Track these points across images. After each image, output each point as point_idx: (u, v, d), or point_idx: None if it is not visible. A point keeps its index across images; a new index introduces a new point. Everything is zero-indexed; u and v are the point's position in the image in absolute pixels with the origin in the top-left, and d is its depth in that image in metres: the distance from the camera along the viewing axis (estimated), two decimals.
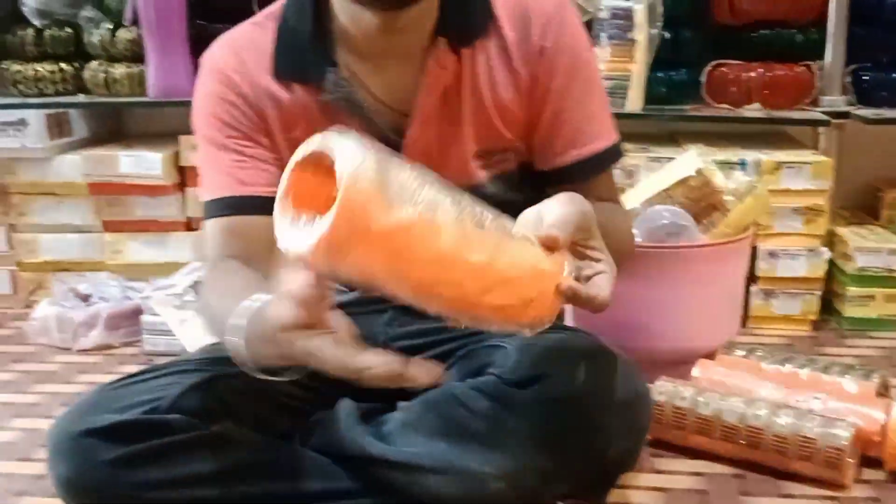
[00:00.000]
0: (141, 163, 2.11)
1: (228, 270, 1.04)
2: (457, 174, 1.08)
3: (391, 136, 1.06)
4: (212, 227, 1.09)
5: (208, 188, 1.09)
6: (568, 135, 1.08)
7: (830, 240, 1.99)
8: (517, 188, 1.11)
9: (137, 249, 2.19)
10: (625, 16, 1.86)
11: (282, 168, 1.07)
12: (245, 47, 1.08)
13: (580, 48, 1.08)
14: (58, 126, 2.20)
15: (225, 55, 1.09)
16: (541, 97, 1.07)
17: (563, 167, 1.09)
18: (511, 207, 1.12)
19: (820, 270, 1.94)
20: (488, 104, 1.07)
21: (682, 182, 1.56)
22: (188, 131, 2.13)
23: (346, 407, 1.09)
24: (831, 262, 1.97)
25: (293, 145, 1.07)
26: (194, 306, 1.87)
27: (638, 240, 1.55)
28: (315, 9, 1.05)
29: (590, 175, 1.10)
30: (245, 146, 1.07)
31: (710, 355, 1.56)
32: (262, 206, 1.04)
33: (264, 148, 1.08)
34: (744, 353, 1.58)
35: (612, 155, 1.12)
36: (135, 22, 2.11)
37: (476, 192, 1.09)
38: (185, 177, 2.16)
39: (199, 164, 1.11)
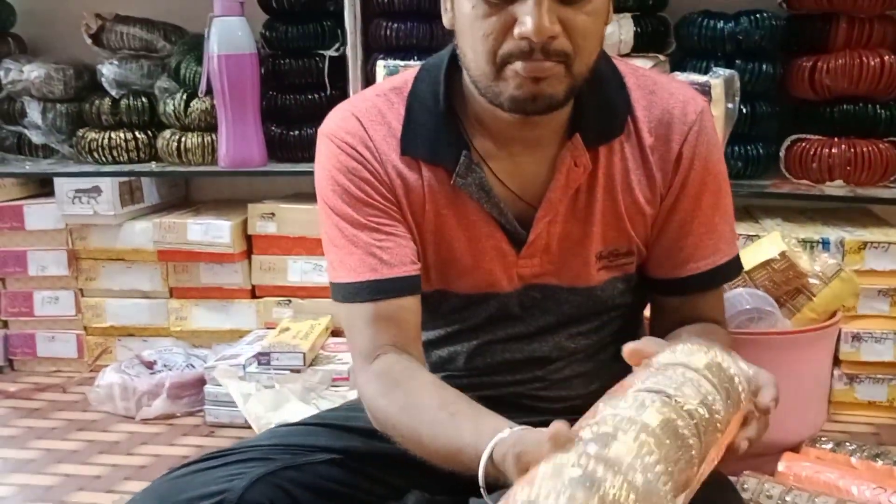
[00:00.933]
0: (209, 230, 2.13)
1: (403, 377, 0.96)
2: (577, 273, 1.04)
3: (517, 229, 1.02)
4: (359, 312, 1.01)
5: (346, 269, 1.01)
6: (690, 247, 1.03)
7: None
8: (633, 292, 1.07)
9: (202, 316, 2.19)
10: (702, 90, 1.82)
11: (416, 244, 1.05)
12: (373, 120, 1.02)
13: (715, 159, 1.03)
14: (130, 193, 2.24)
15: (351, 127, 1.02)
16: (671, 204, 1.02)
17: (678, 279, 1.04)
18: (624, 309, 1.07)
19: None
20: (621, 205, 1.02)
21: (765, 265, 1.50)
22: (256, 200, 2.19)
23: (413, 499, 1.05)
24: None
25: (419, 226, 1.02)
26: (264, 383, 1.86)
27: None
28: (447, 88, 1.01)
29: (703, 290, 1.04)
30: (383, 224, 1.01)
31: (796, 448, 1.48)
32: (410, 287, 1.00)
33: (401, 224, 1.02)
34: (831, 445, 1.49)
35: (728, 271, 1.06)
36: (208, 92, 2.14)
37: (590, 293, 1.05)
38: (251, 245, 2.17)
39: (329, 240, 1.03)
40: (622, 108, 1.01)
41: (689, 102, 1.02)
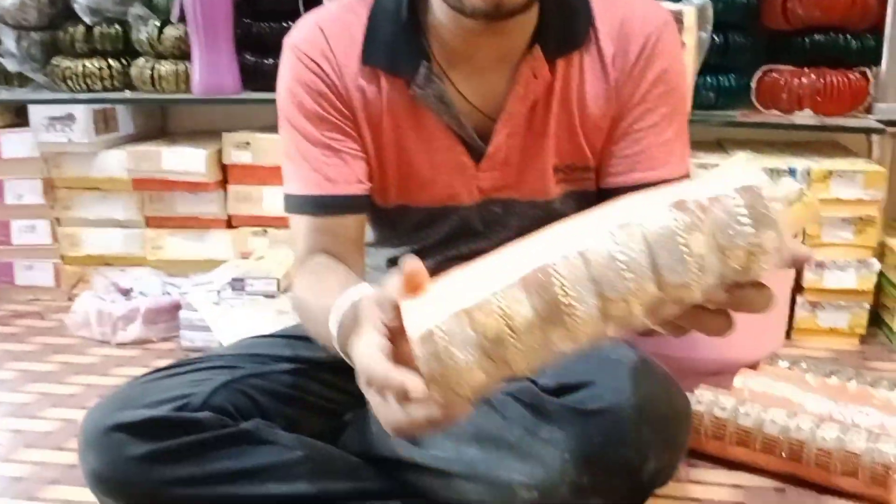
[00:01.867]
0: (184, 159, 2.13)
1: (321, 268, 1.02)
2: (535, 186, 1.05)
3: (476, 141, 1.03)
4: (299, 223, 1.06)
5: (295, 182, 1.06)
6: (639, 155, 1.03)
7: (881, 251, 1.93)
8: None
9: (178, 245, 2.21)
10: (674, 19, 1.82)
11: (368, 161, 1.06)
12: (336, 31, 1.03)
13: (674, 72, 1.03)
14: (104, 122, 2.23)
15: (313, 37, 1.04)
16: (623, 113, 1.02)
17: (622, 187, 1.02)
18: None
19: (869, 283, 1.88)
20: (575, 118, 1.03)
21: None
22: (231, 129, 2.19)
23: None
24: (881, 275, 1.91)
25: (376, 139, 1.05)
26: (233, 301, 1.88)
27: None
28: (411, 1, 1.01)
29: None
30: (334, 139, 1.03)
31: (754, 366, 1.52)
32: (352, 205, 1.05)
33: (353, 140, 1.05)
34: (788, 364, 1.54)
35: None
36: (182, 19, 2.13)
37: (549, 207, 1.07)
38: (227, 174, 2.18)
39: (285, 152, 1.07)
40: (584, 19, 1.02)
41: (650, 14, 1.03)
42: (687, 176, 1.05)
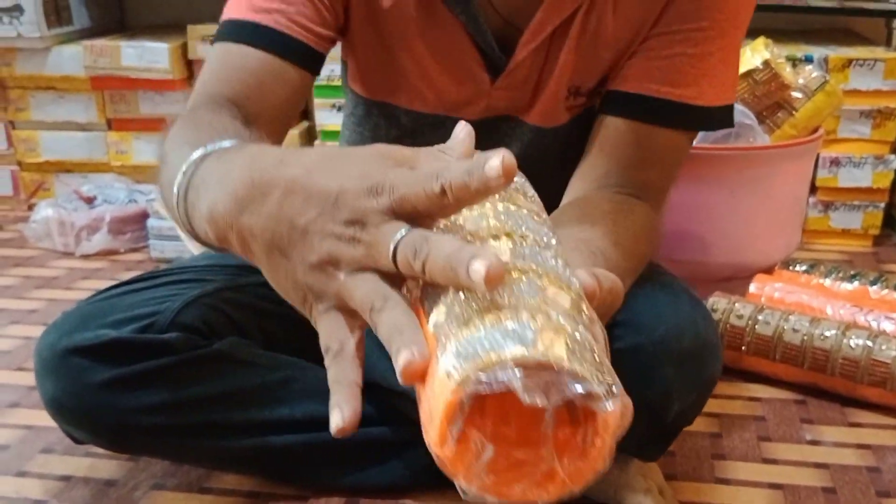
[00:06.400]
0: (145, 54, 1.95)
1: (210, 114, 0.72)
2: (544, 109, 0.92)
3: (495, 52, 0.88)
4: (219, 53, 0.83)
5: (235, 7, 0.84)
6: (662, 60, 0.85)
7: None
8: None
9: (143, 149, 2.05)
10: None
11: (352, 37, 0.86)
12: None
13: (728, 7, 0.83)
14: (56, 13, 2.03)
15: None
16: (662, 18, 0.84)
17: (634, 94, 0.86)
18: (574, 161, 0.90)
19: (886, 180, 1.77)
20: (601, 34, 0.87)
21: (747, 75, 1.39)
22: (197, 21, 2.00)
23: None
24: None
25: (371, 13, 0.86)
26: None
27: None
28: None
29: (659, 123, 0.85)
30: None
31: (768, 270, 1.42)
32: (294, 52, 0.83)
33: None
34: (805, 267, 1.43)
35: (701, 118, 0.86)
36: None
37: (554, 135, 0.93)
38: (193, 71, 2.00)
39: None
40: None
41: None
42: (727, 111, 0.88)
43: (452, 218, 0.48)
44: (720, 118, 0.88)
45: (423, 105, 0.94)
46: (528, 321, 0.41)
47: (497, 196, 0.50)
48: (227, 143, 0.58)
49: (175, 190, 0.58)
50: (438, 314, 0.44)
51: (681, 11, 0.84)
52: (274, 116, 0.83)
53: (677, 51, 0.84)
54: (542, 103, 0.92)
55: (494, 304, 0.42)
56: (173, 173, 0.59)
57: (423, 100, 0.93)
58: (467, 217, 0.49)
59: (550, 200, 0.68)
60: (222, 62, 0.83)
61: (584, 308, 0.45)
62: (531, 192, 0.57)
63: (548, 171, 0.82)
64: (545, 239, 0.49)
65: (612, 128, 0.87)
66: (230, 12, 0.85)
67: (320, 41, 0.85)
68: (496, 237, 0.47)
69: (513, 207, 0.51)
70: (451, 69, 0.91)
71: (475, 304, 0.43)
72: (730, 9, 0.84)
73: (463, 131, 0.51)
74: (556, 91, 0.91)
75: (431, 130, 0.93)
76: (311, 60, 0.85)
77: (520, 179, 0.56)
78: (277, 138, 0.87)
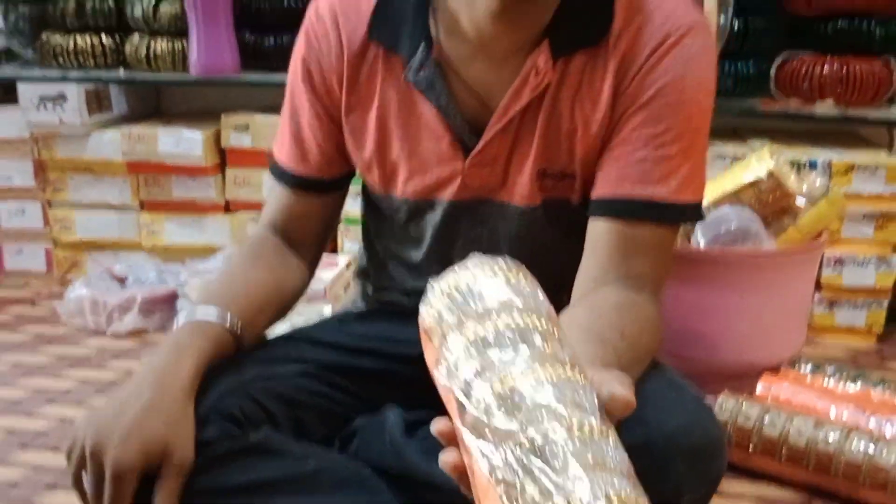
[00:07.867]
0: (181, 142, 2.05)
1: (257, 254, 1.01)
2: (513, 190, 0.99)
3: (465, 137, 0.96)
4: (270, 184, 1.07)
5: (279, 147, 1.06)
6: (631, 166, 0.92)
7: None
8: (568, 223, 0.98)
9: (174, 231, 2.14)
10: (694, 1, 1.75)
11: (359, 142, 1.01)
12: (346, 9, 1.00)
13: (690, 83, 0.90)
14: (97, 101, 2.15)
15: (329, 4, 1.01)
16: (623, 119, 0.92)
17: (609, 200, 0.92)
18: (565, 256, 0.96)
19: (889, 280, 1.83)
20: (564, 119, 0.94)
21: (753, 184, 1.46)
22: (230, 110, 2.11)
23: (392, 416, 1.02)
24: None
25: (360, 123, 1.00)
26: None
27: (702, 244, 1.46)
28: None
29: (638, 220, 0.91)
30: (320, 115, 1.02)
31: (774, 369, 1.47)
32: (318, 187, 1.04)
33: (335, 125, 1.02)
34: (811, 368, 1.49)
35: (674, 213, 0.92)
36: None
37: (526, 215, 0.99)
38: (224, 158, 2.10)
39: (283, 111, 1.07)
40: (604, 16, 0.94)
41: (675, 14, 0.94)
42: (695, 207, 0.95)
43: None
44: (690, 213, 0.95)
45: (414, 192, 1.02)
46: None
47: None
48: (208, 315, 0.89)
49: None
50: None
51: (651, 103, 0.91)
52: (315, 233, 1.06)
53: (641, 156, 0.92)
54: (512, 184, 0.97)
55: None
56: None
57: (412, 188, 1.02)
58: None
59: (549, 279, 0.73)
60: (271, 192, 1.06)
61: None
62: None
63: (539, 250, 0.95)
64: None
65: (598, 230, 0.94)
66: (274, 145, 1.06)
67: (333, 170, 1.04)
68: None
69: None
70: (429, 154, 0.99)
71: None
72: (699, 105, 0.92)
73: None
74: (526, 172, 0.97)
75: (421, 214, 1.03)
76: (333, 187, 1.05)
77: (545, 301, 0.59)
78: (320, 248, 1.08)
